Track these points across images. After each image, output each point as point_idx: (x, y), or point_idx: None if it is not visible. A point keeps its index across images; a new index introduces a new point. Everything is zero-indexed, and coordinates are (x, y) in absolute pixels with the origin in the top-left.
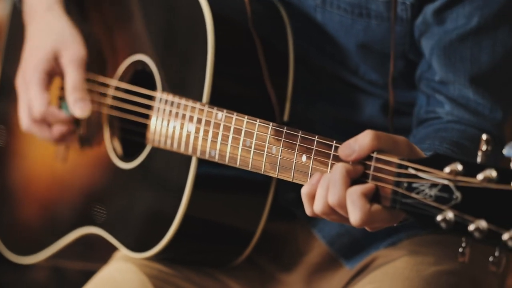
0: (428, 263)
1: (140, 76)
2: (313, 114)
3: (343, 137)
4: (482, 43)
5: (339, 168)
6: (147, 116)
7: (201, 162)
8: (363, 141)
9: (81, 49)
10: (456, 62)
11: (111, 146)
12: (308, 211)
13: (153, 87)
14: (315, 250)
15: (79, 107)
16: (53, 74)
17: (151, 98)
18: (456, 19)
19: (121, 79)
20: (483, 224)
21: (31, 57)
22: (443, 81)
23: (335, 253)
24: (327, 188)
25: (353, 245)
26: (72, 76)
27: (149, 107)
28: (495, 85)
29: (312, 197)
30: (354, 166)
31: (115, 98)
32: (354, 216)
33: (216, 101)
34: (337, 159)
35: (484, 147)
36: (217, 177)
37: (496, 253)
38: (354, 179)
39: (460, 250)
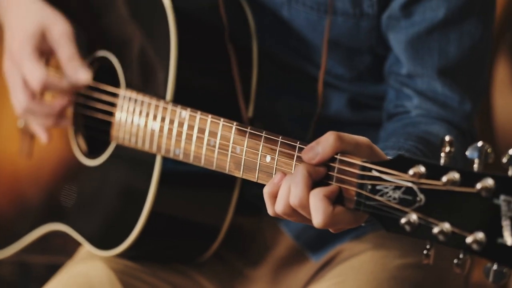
0: (393, 256)
1: (104, 72)
2: (279, 109)
3: (306, 131)
4: (449, 35)
5: (301, 169)
6: (111, 113)
7: (166, 158)
8: (325, 143)
9: (67, 25)
10: (423, 55)
11: (75, 143)
12: (270, 211)
13: (117, 84)
14: (281, 244)
15: (82, 73)
16: (42, 51)
17: (115, 95)
18: (424, 12)
19: None
20: (447, 227)
21: (17, 39)
22: (411, 75)
23: (301, 247)
24: (288, 188)
25: (318, 238)
26: (66, 48)
27: (113, 104)
28: (463, 76)
29: (274, 197)
30: (316, 168)
31: (79, 94)
32: (317, 218)
33: (180, 97)
34: (301, 159)
35: (447, 149)
36: (182, 173)
37: (461, 256)
38: (316, 180)
39: (425, 252)
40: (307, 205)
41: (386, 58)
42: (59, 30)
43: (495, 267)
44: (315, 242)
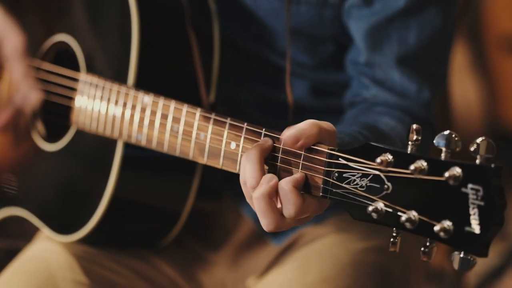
0: (355, 240)
1: (63, 56)
2: (241, 95)
3: (271, 118)
4: (409, 24)
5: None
6: (71, 98)
7: (128, 143)
8: (309, 133)
9: (20, 37)
10: (383, 44)
11: (34, 127)
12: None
13: (77, 69)
14: (242, 228)
15: (34, 93)
16: None
17: (75, 80)
18: (384, 0)
19: (44, 59)
20: (414, 215)
21: None
22: (369, 63)
23: (262, 230)
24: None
25: None
26: (19, 65)
27: (73, 89)
28: (422, 65)
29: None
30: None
31: (37, 79)
32: (288, 210)
33: (142, 82)
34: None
35: (414, 137)
36: (143, 158)
37: (428, 243)
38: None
39: (392, 240)
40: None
41: (348, 46)
42: (12, 45)
43: (462, 255)
44: None
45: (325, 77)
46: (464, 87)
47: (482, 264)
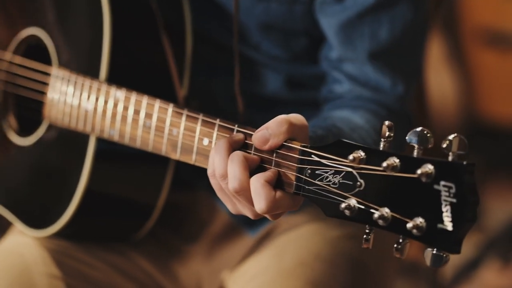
0: (331, 228)
1: (35, 50)
2: (215, 88)
3: (246, 112)
4: (381, 19)
5: (237, 153)
6: (43, 93)
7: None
8: (278, 130)
9: None
10: (355, 40)
11: (7, 121)
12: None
13: (49, 63)
14: (217, 220)
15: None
16: None
17: (47, 74)
18: None
19: (15, 52)
20: (387, 212)
21: None
22: (342, 59)
23: (237, 222)
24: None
25: None
26: None
27: (45, 84)
28: (395, 60)
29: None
30: (251, 157)
31: (8, 72)
32: (260, 204)
33: (115, 76)
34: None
35: (387, 134)
36: (116, 152)
37: (400, 240)
38: (251, 166)
39: (365, 236)
40: (247, 189)
41: (323, 39)
42: None
43: (434, 251)
44: None
45: (300, 70)
46: (440, 80)
47: (457, 257)
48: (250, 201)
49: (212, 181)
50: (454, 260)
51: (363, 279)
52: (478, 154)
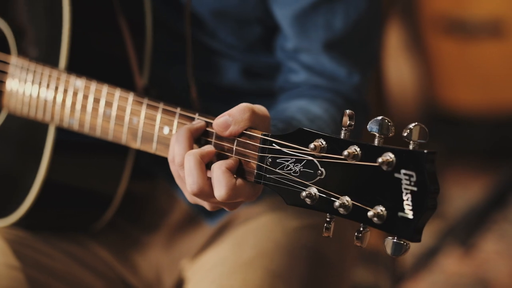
0: (290, 218)
1: None
2: (174, 77)
3: (203, 100)
4: (335, 8)
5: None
6: (2, 82)
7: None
8: (240, 118)
9: None
10: (309, 30)
11: None
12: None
13: (8, 51)
14: (176, 210)
15: None
16: None
17: (5, 63)
18: None
19: None
20: (347, 200)
21: None
22: (298, 49)
23: (196, 211)
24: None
25: None
26: None
27: (4, 73)
28: (350, 49)
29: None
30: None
31: None
32: (220, 191)
33: (74, 65)
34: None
35: (347, 122)
36: (76, 141)
37: (361, 228)
38: (196, 137)
39: (325, 225)
40: (206, 191)
41: (277, 29)
42: None
43: (395, 240)
44: None
45: (255, 59)
46: (399, 68)
47: (417, 244)
48: (209, 196)
49: (172, 168)
50: (414, 248)
51: (323, 269)
52: (438, 142)
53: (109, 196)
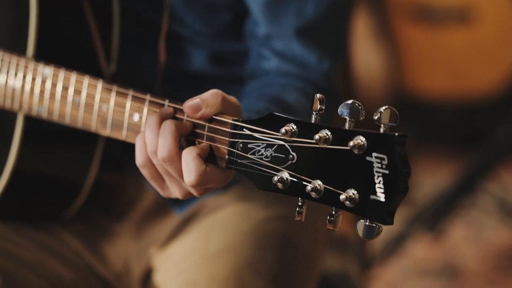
0: (258, 209)
1: None
2: (142, 64)
3: (172, 87)
4: None
5: (169, 123)
6: None
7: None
8: (211, 102)
9: None
10: (281, 16)
11: None
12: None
13: None
14: (145, 199)
15: None
16: None
17: None
18: None
19: None
20: (319, 184)
21: None
22: (269, 36)
23: (164, 200)
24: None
25: None
26: None
27: None
28: (321, 36)
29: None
30: (183, 123)
31: None
32: (189, 177)
33: (42, 52)
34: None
35: (318, 107)
36: (45, 130)
37: (333, 213)
38: (183, 134)
39: (297, 209)
40: (176, 160)
41: (246, 15)
42: None
43: (367, 223)
44: None
45: (223, 46)
46: (367, 55)
47: (386, 230)
48: (179, 174)
49: (143, 162)
50: (383, 234)
51: (292, 258)
52: (406, 128)
53: (79, 184)
